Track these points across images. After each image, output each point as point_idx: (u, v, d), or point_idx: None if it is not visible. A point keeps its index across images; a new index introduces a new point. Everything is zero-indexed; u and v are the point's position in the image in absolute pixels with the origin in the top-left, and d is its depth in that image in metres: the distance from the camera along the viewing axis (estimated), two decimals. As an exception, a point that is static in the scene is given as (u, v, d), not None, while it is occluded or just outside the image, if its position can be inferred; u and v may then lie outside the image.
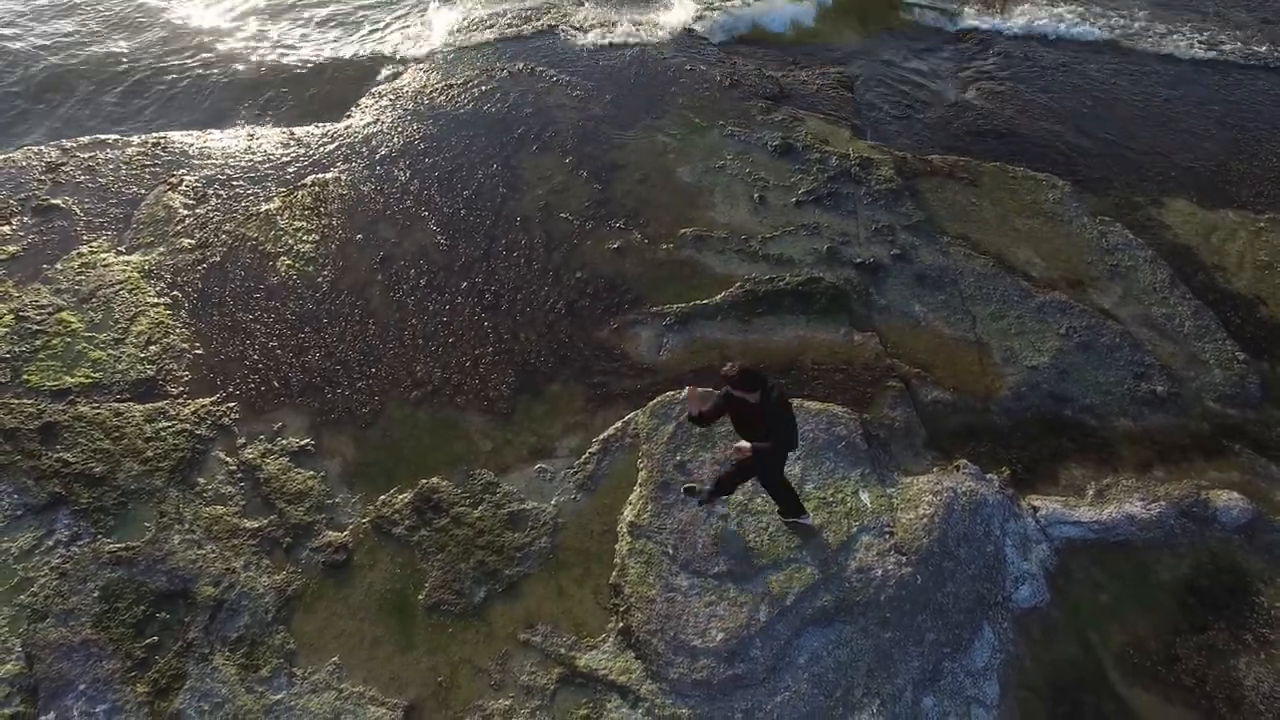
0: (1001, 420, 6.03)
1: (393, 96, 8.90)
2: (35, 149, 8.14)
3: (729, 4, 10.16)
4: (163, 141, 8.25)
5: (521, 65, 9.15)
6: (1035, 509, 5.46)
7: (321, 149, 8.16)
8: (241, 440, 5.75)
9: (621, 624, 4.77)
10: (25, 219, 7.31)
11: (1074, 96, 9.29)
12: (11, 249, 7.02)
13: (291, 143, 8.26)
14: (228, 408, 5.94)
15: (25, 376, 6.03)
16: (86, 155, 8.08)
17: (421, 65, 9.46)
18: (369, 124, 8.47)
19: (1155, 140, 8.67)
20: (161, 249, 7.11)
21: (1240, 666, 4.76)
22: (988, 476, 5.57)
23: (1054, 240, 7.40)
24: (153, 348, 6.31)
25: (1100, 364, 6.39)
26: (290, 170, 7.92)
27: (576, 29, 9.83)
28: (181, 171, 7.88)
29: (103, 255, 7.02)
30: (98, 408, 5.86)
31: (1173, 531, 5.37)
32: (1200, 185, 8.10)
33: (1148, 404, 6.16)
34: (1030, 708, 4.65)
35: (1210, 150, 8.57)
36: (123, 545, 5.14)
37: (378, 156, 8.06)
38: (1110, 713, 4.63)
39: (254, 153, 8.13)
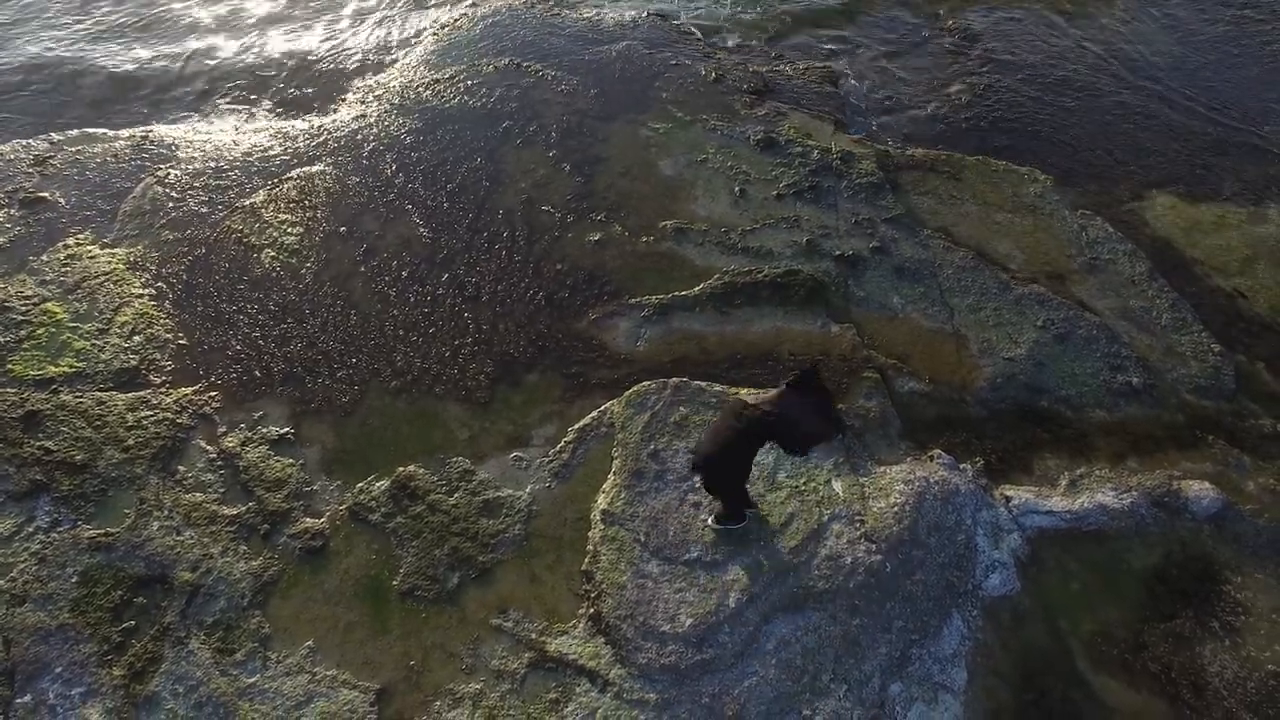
0: (977, 411, 6.06)
1: (379, 91, 8.95)
2: (24, 142, 8.20)
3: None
4: (150, 135, 8.30)
5: (507, 60, 9.20)
6: (1008, 498, 5.50)
7: (307, 143, 8.21)
8: (222, 429, 5.81)
9: (592, 610, 4.83)
10: (12, 211, 7.38)
11: (1057, 91, 9.31)
12: (-2, 241, 7.09)
13: (278, 136, 8.31)
14: (209, 397, 6.00)
15: (9, 366, 6.10)
16: (74, 149, 8.14)
17: (408, 60, 9.51)
18: (355, 118, 8.52)
19: (1138, 133, 8.69)
20: (147, 241, 7.17)
21: (1206, 654, 4.80)
22: (961, 466, 5.61)
23: (1034, 233, 7.43)
24: (136, 338, 6.37)
25: (1077, 356, 6.42)
26: (276, 163, 7.97)
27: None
28: (168, 165, 7.93)
29: (88, 247, 7.08)
30: (80, 397, 5.93)
31: (1144, 521, 5.41)
32: (1183, 179, 8.12)
33: (1123, 395, 6.19)
34: (998, 694, 4.69)
35: (1193, 143, 8.59)
36: (102, 531, 5.21)
37: (363, 150, 8.11)
38: (1077, 699, 4.67)
39: (240, 146, 8.18)
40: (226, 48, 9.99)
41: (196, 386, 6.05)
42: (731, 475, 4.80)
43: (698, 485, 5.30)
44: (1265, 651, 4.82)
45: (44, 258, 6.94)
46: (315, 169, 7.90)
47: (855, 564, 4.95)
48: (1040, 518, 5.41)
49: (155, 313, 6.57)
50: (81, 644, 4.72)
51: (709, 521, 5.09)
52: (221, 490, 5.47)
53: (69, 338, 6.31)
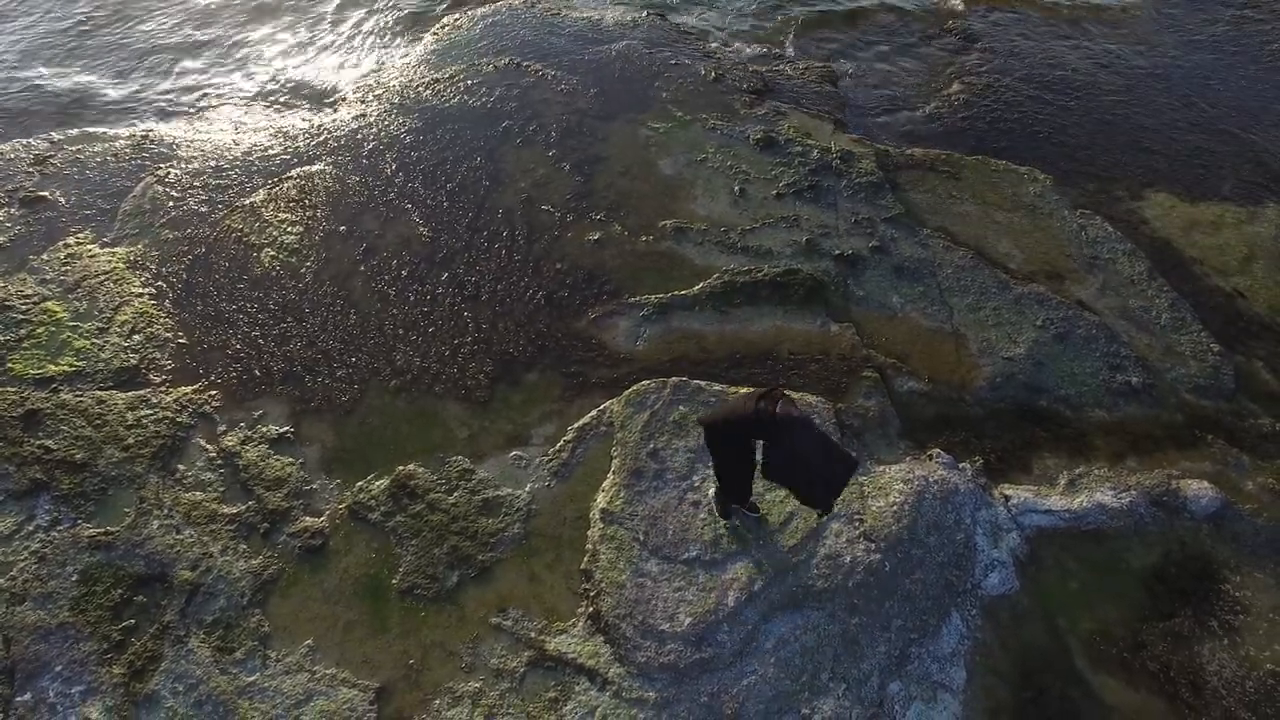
0: (976, 410, 6.06)
1: (379, 90, 8.95)
2: (24, 141, 8.21)
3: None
4: (150, 134, 8.31)
5: (507, 60, 9.20)
6: (1007, 498, 5.50)
7: (307, 142, 8.21)
8: (222, 428, 5.82)
9: (591, 609, 4.83)
10: (12, 210, 7.38)
11: (1057, 90, 9.31)
12: (-2, 240, 7.09)
13: (278, 135, 8.32)
14: (209, 396, 6.00)
15: (9, 365, 6.10)
16: (75, 148, 8.15)
17: (408, 59, 9.51)
18: (355, 117, 8.52)
19: (1137, 133, 8.70)
20: (146, 240, 7.17)
21: (1204, 653, 4.81)
22: (960, 465, 5.61)
23: (1034, 233, 7.43)
24: (136, 337, 6.37)
25: (1076, 355, 6.42)
26: (276, 163, 7.97)
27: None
28: (168, 164, 7.93)
29: (88, 246, 7.08)
30: (80, 395, 5.93)
31: (1143, 520, 5.41)
32: (1182, 178, 8.13)
33: (1122, 395, 6.19)
34: (997, 693, 4.69)
35: (1193, 143, 8.59)
36: (102, 530, 5.21)
37: (363, 149, 8.11)
38: (1075, 697, 4.68)
39: (240, 145, 8.18)
40: (222, 46, 9.99)
41: (196, 385, 6.06)
42: (724, 457, 4.66)
43: (697, 485, 5.31)
44: (1264, 650, 4.82)
45: (44, 257, 6.95)
46: (315, 168, 7.90)
47: (854, 563, 4.95)
48: (1039, 517, 5.42)
49: (155, 312, 6.57)
50: (81, 642, 4.72)
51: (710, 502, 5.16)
52: (221, 489, 5.47)
53: (69, 337, 6.31)
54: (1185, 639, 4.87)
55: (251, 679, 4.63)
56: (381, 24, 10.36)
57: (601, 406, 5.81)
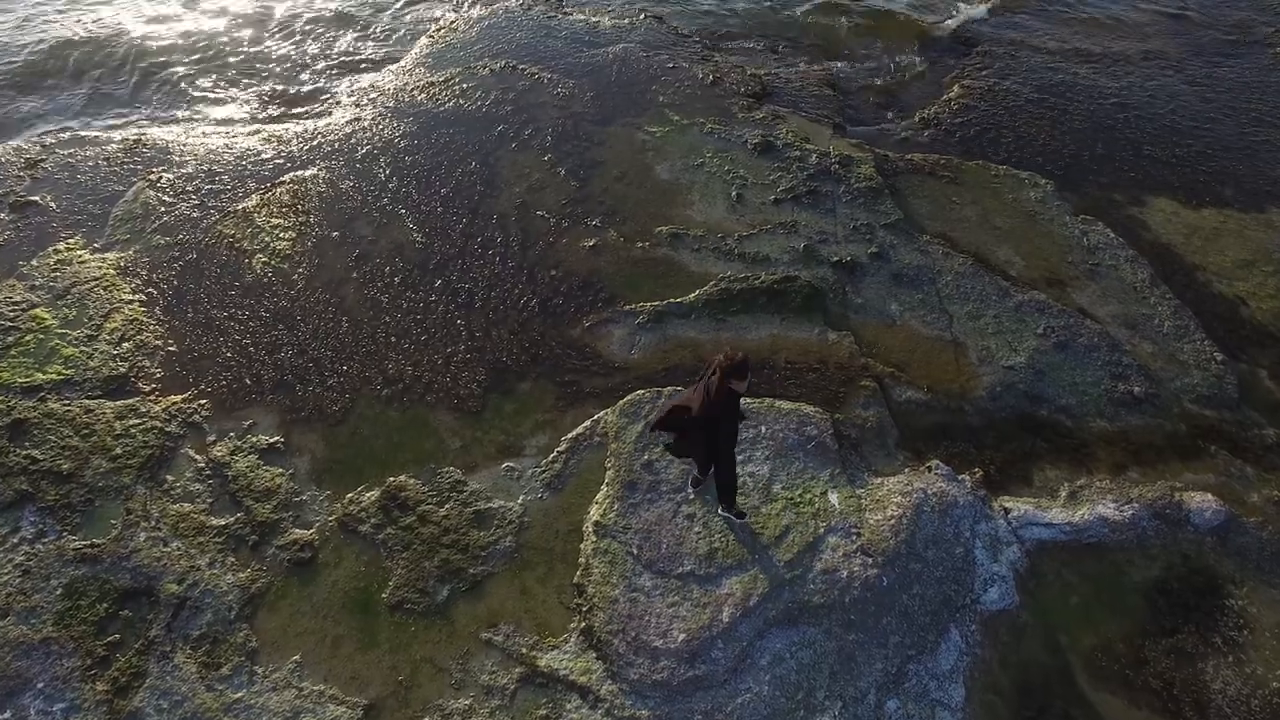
0: (976, 420, 5.98)
1: (374, 93, 8.87)
2: (15, 145, 8.14)
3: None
4: (142, 138, 8.24)
5: (503, 63, 9.12)
6: (1007, 510, 5.42)
7: (301, 146, 8.14)
8: (211, 438, 5.74)
9: (584, 624, 4.75)
10: (2, 215, 7.31)
11: (1058, 94, 9.23)
12: (-13, 245, 7.02)
13: (271, 140, 8.25)
14: (199, 405, 5.92)
15: (-4, 373, 6.02)
16: (66, 152, 8.08)
17: (403, 62, 9.43)
18: (349, 121, 8.45)
19: (1139, 138, 8.61)
20: (138, 246, 7.10)
21: (1208, 669, 4.72)
22: (959, 478, 5.52)
23: (1034, 239, 7.35)
24: (125, 345, 6.29)
25: (1078, 364, 6.34)
26: (269, 167, 7.90)
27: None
28: (160, 169, 7.86)
29: (79, 252, 7.01)
30: (68, 404, 5.85)
31: (1145, 533, 5.33)
32: (1183, 184, 8.04)
33: (1124, 405, 6.11)
34: (996, 711, 4.61)
35: (1194, 147, 8.51)
36: (88, 543, 5.13)
37: (357, 154, 8.04)
38: (1077, 716, 4.59)
39: (233, 150, 8.11)
40: (213, 46, 9.92)
41: (186, 394, 5.98)
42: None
43: (692, 497, 5.23)
44: (1270, 668, 4.73)
45: (34, 262, 6.87)
46: (309, 173, 7.83)
47: (851, 578, 4.87)
48: (1040, 530, 5.33)
49: (145, 319, 6.49)
50: (65, 658, 4.64)
51: (719, 510, 5.12)
52: (210, 500, 5.39)
53: (57, 344, 6.23)
54: (1189, 655, 4.78)
55: (238, 696, 4.54)
56: (384, 25, 10.26)
57: (595, 416, 5.73)
